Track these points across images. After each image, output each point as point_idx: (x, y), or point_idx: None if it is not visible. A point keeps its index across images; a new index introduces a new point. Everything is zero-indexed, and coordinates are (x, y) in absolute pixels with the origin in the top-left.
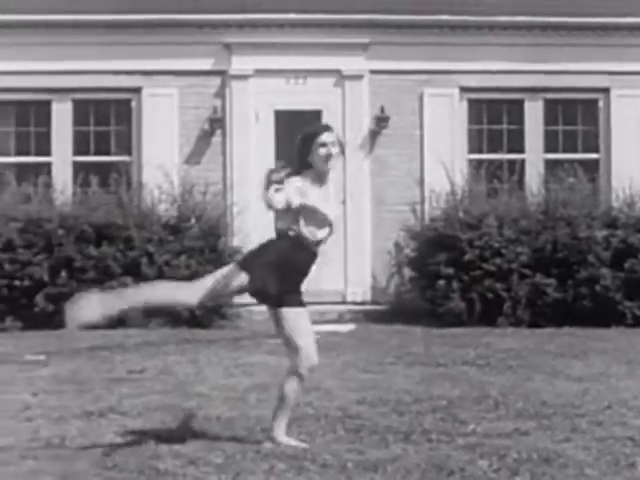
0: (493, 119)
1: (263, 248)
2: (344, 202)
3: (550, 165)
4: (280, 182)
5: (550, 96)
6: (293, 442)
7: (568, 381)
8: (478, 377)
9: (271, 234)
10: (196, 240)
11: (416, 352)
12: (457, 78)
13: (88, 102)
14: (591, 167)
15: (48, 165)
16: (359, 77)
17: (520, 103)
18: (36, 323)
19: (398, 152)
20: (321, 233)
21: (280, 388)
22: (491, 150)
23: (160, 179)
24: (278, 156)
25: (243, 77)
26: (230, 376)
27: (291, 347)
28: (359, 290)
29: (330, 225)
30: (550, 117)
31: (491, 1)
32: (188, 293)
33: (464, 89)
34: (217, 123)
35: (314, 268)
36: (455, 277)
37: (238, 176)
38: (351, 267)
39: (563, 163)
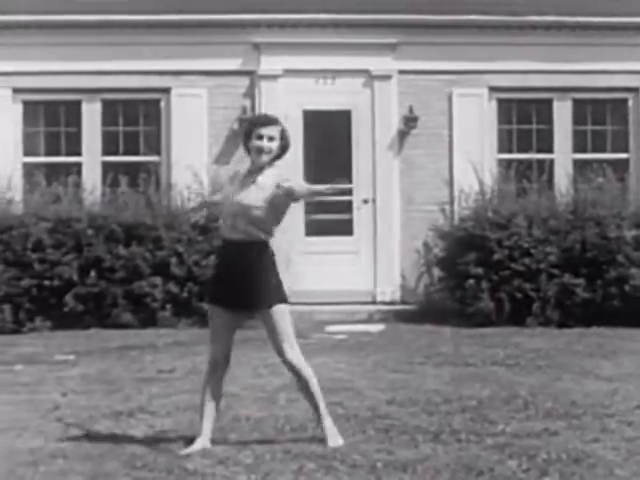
0: (522, 119)
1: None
2: (373, 201)
3: (579, 165)
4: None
5: (579, 96)
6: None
7: (597, 381)
8: (507, 377)
9: (300, 232)
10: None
11: (445, 352)
12: (486, 78)
13: (117, 102)
14: (620, 167)
15: (78, 165)
16: (388, 77)
17: (549, 103)
18: (65, 323)
19: (427, 152)
20: (224, 226)
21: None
22: (520, 150)
23: (189, 179)
24: (306, 156)
25: (272, 77)
26: (259, 376)
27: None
28: (388, 290)
29: (233, 215)
30: (579, 117)
31: (520, 1)
32: None
33: (493, 89)
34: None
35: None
36: (484, 277)
37: None
38: (380, 267)
39: (592, 163)
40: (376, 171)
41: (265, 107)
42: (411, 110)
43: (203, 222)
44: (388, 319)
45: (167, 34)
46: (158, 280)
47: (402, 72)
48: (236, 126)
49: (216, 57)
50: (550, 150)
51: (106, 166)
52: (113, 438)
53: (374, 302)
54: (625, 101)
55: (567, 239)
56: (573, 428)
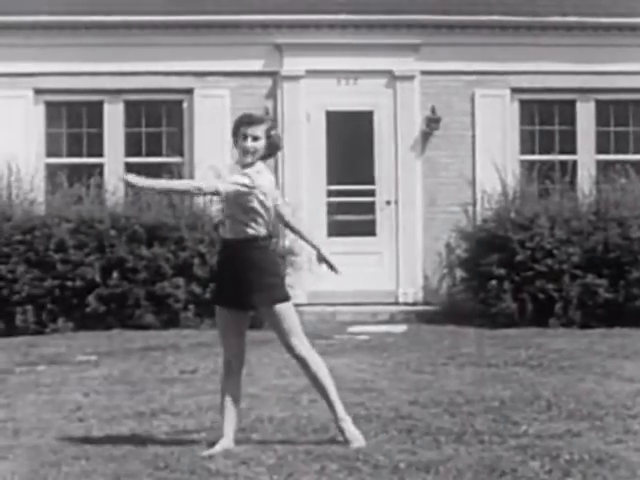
0: (545, 120)
1: None
2: (396, 202)
3: (602, 166)
4: None
5: (601, 97)
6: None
7: (620, 382)
8: (530, 378)
9: (323, 232)
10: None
11: (468, 353)
12: (508, 79)
13: (140, 103)
14: None
15: (100, 166)
16: (410, 78)
17: (572, 104)
18: (88, 323)
19: (449, 153)
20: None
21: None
22: (543, 151)
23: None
24: (329, 157)
25: (294, 78)
26: (282, 377)
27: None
28: (411, 291)
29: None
30: (601, 118)
31: (543, 2)
32: None
33: (515, 90)
34: None
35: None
36: (507, 278)
37: (290, 176)
38: (403, 268)
39: (615, 164)
40: (398, 172)
41: (287, 108)
42: (433, 111)
43: None
44: (410, 320)
45: (190, 35)
46: (181, 281)
47: (424, 73)
48: None
49: (239, 58)
50: (573, 151)
51: (128, 167)
52: (135, 439)
53: (396, 303)
54: None
55: (590, 240)
56: (596, 429)
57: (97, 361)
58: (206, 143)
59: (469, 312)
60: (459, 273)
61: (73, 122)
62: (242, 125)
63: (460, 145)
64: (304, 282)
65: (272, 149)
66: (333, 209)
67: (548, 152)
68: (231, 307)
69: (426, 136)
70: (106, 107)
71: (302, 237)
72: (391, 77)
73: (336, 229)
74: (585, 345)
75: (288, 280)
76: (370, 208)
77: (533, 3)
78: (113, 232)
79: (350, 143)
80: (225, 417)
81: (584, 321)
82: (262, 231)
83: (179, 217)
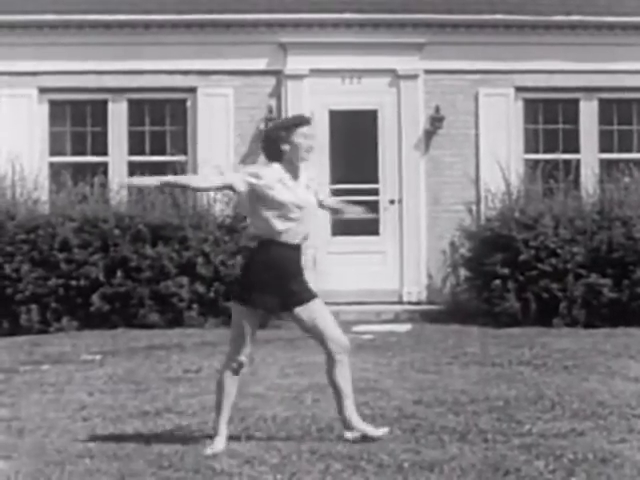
0: (548, 119)
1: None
2: (400, 201)
3: (605, 165)
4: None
5: (605, 96)
6: (369, 428)
7: (624, 381)
8: (534, 377)
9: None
10: (252, 240)
11: (472, 352)
12: (512, 78)
13: (143, 102)
14: None
15: (104, 165)
16: (414, 77)
17: (575, 103)
18: (92, 323)
19: (453, 152)
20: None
21: (330, 383)
22: (547, 150)
23: None
24: (333, 156)
25: (298, 77)
26: (286, 376)
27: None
28: (415, 290)
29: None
30: (605, 117)
31: (547, 1)
32: None
33: (519, 89)
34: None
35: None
36: (511, 277)
37: None
38: (407, 267)
39: (618, 163)
40: (402, 171)
41: (291, 107)
42: (437, 110)
43: (229, 222)
44: (414, 319)
45: (193, 34)
46: (185, 280)
47: (428, 72)
48: (262, 126)
49: (242, 57)
50: (576, 150)
51: (132, 166)
52: (140, 438)
53: (400, 302)
54: None
55: (594, 239)
56: (600, 428)
57: (101, 360)
58: (210, 142)
59: (473, 311)
60: (463, 272)
61: (77, 121)
62: (303, 124)
63: (464, 144)
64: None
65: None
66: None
67: (552, 151)
68: (274, 309)
69: (430, 135)
70: (110, 106)
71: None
72: (395, 76)
73: (340, 228)
74: (589, 345)
75: None
76: (374, 207)
77: (537, 2)
78: (117, 231)
79: (354, 142)
80: (224, 417)
81: (588, 320)
82: None
83: (183, 216)
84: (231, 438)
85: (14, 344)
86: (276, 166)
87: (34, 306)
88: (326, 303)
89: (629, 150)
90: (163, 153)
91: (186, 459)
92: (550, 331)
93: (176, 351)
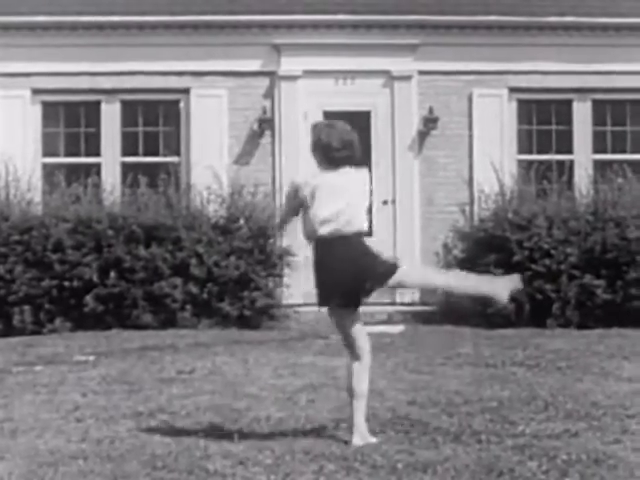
0: (542, 120)
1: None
2: (393, 202)
3: (599, 166)
4: None
5: (598, 96)
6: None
7: (618, 382)
8: (527, 378)
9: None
10: (245, 241)
11: (465, 353)
12: (506, 79)
13: (137, 103)
14: None
15: (97, 166)
16: (408, 78)
17: (569, 104)
18: (85, 323)
19: (447, 153)
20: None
21: (352, 388)
22: (540, 151)
23: (209, 180)
24: None
25: (292, 78)
26: (279, 377)
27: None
28: (408, 291)
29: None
30: (599, 118)
31: (540, 2)
32: None
33: (513, 89)
34: (266, 124)
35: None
36: None
37: (287, 177)
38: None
39: (612, 164)
40: (396, 172)
41: (285, 108)
42: (431, 111)
43: (223, 223)
44: (408, 320)
45: (187, 35)
46: (178, 281)
47: (422, 73)
48: (256, 127)
49: (236, 58)
50: (570, 151)
51: (126, 167)
52: (133, 439)
53: (394, 303)
54: None
55: (587, 240)
56: (593, 429)
57: (95, 361)
58: (203, 143)
59: (466, 312)
60: None
61: (70, 122)
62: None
63: (458, 145)
64: (301, 282)
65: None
66: None
67: (545, 152)
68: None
69: (424, 136)
70: (103, 107)
71: None
72: (389, 77)
73: None
74: (583, 345)
75: (285, 280)
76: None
77: (530, 3)
78: (111, 232)
79: None
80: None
81: (582, 321)
82: None
83: (177, 217)
84: (224, 439)
85: (7, 345)
86: None
87: (27, 307)
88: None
89: (623, 151)
90: (156, 154)
91: (180, 460)
92: (544, 332)
93: (169, 352)
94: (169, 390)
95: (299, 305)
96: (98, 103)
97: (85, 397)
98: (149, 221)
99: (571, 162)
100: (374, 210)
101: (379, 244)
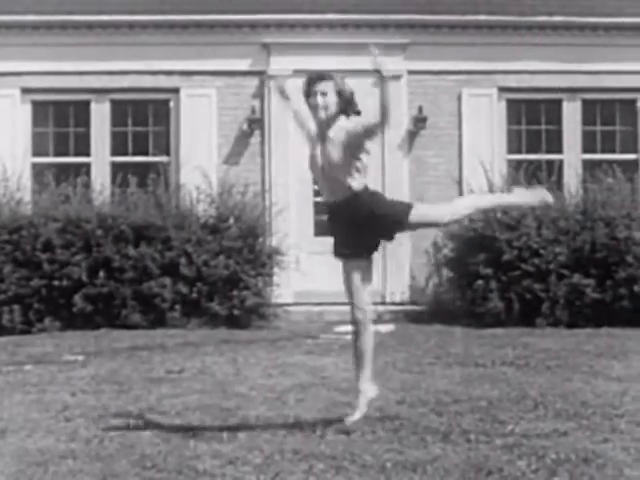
0: (531, 119)
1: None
2: None
3: (588, 166)
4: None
5: (588, 96)
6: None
7: (607, 381)
8: (517, 377)
9: (310, 232)
10: (235, 240)
11: (455, 352)
12: (496, 78)
13: (126, 102)
14: (630, 167)
15: (87, 165)
16: (397, 77)
17: (558, 103)
18: (75, 323)
19: (436, 152)
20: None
21: (356, 348)
22: (530, 150)
23: (198, 179)
24: None
25: (281, 77)
26: (269, 376)
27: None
28: (398, 290)
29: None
30: (588, 117)
31: (529, 1)
32: None
33: (503, 89)
34: (256, 123)
35: None
36: (494, 277)
37: (276, 176)
38: (390, 267)
39: (601, 163)
40: (386, 171)
41: (275, 108)
42: (420, 110)
43: (212, 222)
44: (397, 319)
45: (177, 34)
46: (167, 280)
47: (412, 72)
48: (245, 126)
49: (226, 57)
50: (559, 151)
51: (115, 166)
52: (122, 438)
53: (383, 302)
54: (634, 101)
55: (576, 240)
56: (583, 428)
57: (84, 361)
58: (193, 142)
59: (456, 312)
60: (446, 273)
61: (60, 121)
62: (311, 83)
63: (447, 144)
64: (291, 282)
65: (345, 104)
66: (320, 208)
67: (535, 151)
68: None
69: (413, 135)
70: (93, 106)
71: None
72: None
73: (323, 228)
74: (572, 345)
75: (275, 279)
76: None
77: (520, 3)
78: (100, 232)
79: None
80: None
81: (571, 321)
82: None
83: (166, 217)
84: (214, 438)
85: None
86: None
87: (17, 306)
88: (309, 303)
89: (612, 151)
90: (146, 154)
91: (169, 459)
92: (533, 331)
93: (159, 352)
94: (158, 390)
95: (289, 304)
96: (88, 103)
97: (74, 397)
98: (138, 221)
99: (560, 162)
100: None
101: None
